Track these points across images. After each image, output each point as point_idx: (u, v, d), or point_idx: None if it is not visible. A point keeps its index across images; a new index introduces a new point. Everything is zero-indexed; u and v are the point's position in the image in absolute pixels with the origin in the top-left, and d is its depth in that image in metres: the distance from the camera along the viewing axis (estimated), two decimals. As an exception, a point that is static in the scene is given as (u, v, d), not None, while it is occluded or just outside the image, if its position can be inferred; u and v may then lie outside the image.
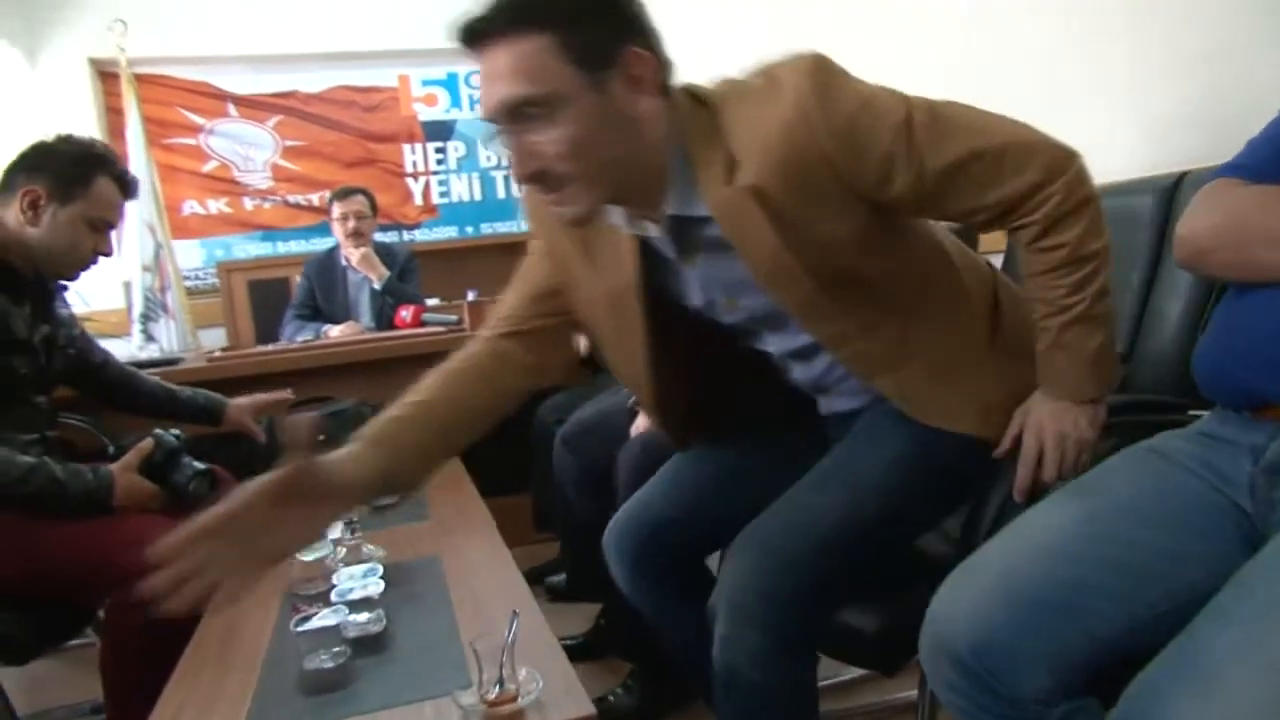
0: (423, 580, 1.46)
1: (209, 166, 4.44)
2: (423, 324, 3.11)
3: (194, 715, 1.08)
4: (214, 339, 4.23)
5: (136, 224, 3.90)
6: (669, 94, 1.07)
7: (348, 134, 4.57)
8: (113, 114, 4.18)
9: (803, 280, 1.09)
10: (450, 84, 4.68)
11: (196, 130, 4.40)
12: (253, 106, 4.46)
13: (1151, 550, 0.89)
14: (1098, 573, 0.87)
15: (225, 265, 4.31)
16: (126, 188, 1.89)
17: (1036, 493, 1.12)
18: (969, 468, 1.20)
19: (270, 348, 3.18)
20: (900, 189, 1.05)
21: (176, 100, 4.34)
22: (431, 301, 3.56)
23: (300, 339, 3.35)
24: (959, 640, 0.87)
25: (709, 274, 1.17)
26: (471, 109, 4.70)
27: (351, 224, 3.49)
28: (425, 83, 4.64)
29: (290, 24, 4.32)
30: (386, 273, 3.50)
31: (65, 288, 1.99)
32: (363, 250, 3.49)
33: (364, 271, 3.50)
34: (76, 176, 1.78)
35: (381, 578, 1.36)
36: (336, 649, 1.17)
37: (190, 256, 4.42)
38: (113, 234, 1.89)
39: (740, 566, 1.15)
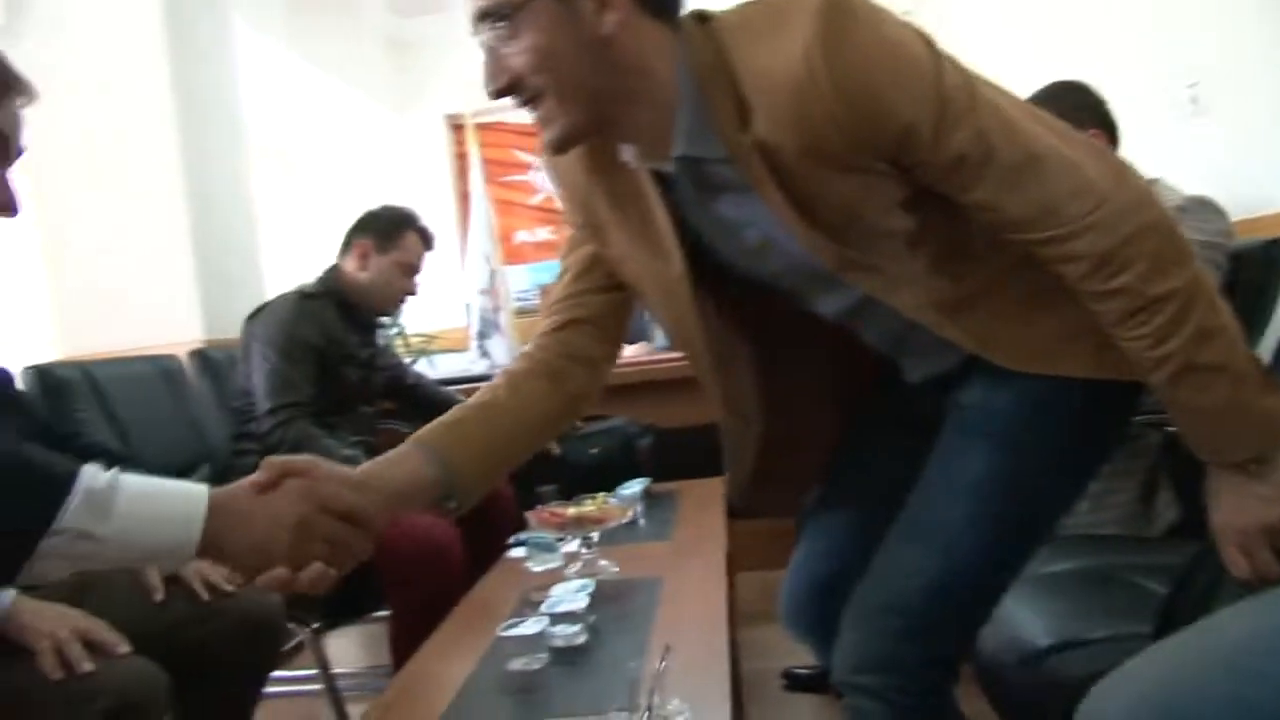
0: (637, 600, 1.54)
1: (536, 199, 4.97)
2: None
3: (411, 695, 1.26)
4: (538, 354, 4.72)
5: (476, 254, 4.47)
6: (670, 20, 0.98)
7: (655, 162, 4.87)
8: (459, 159, 4.84)
9: (826, 243, 0.98)
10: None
11: (527, 167, 4.94)
12: (574, 143, 4.92)
13: None
14: (1259, 691, 0.71)
15: (547, 288, 4.79)
16: (428, 240, 2.35)
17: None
18: (1082, 431, 1.04)
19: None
20: (917, 162, 0.92)
21: (510, 142, 4.92)
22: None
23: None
24: None
25: (738, 215, 1.04)
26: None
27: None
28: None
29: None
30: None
31: (383, 323, 2.41)
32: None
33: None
34: (392, 233, 2.26)
35: (591, 594, 1.46)
36: (540, 655, 1.29)
37: (520, 280, 4.97)
38: (417, 278, 2.31)
39: (848, 643, 1.08)
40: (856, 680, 1.06)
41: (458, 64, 4.70)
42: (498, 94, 0.98)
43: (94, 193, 2.73)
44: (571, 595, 1.44)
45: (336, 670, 2.09)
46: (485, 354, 4.48)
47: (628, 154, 1.05)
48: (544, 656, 1.29)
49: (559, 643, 1.34)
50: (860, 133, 0.90)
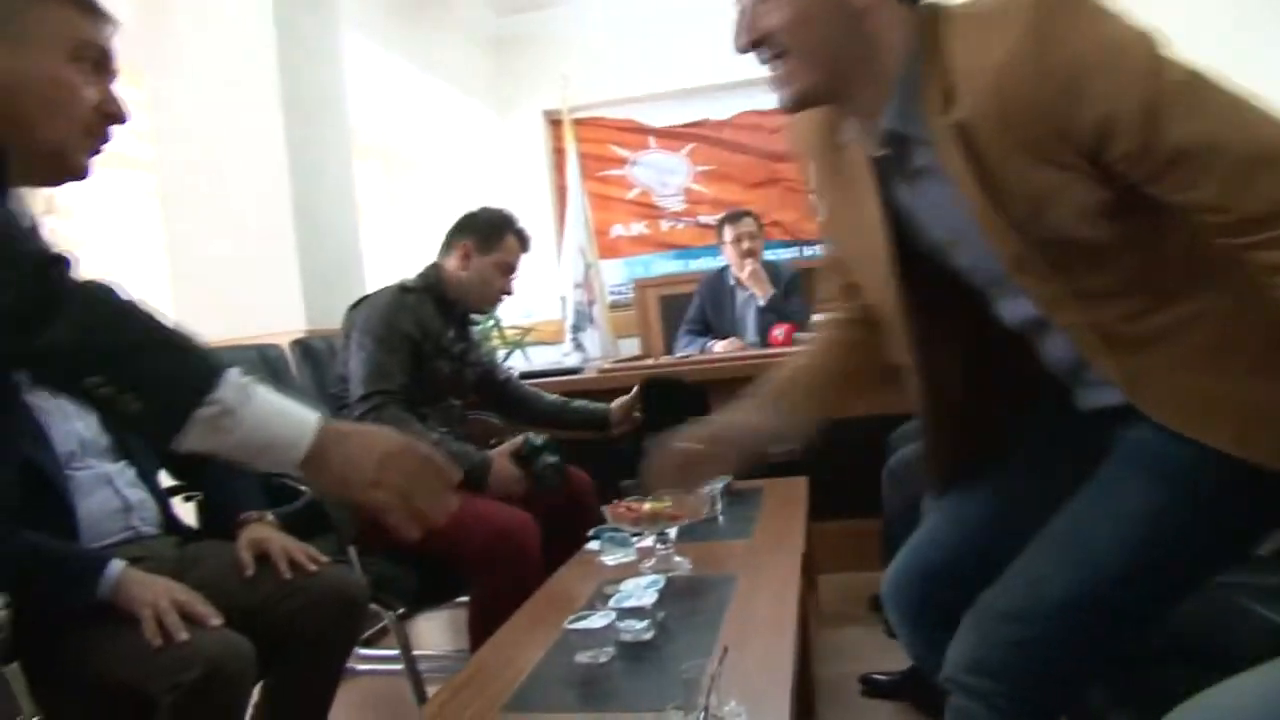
0: (709, 598, 1.53)
1: (632, 194, 4.99)
2: (795, 342, 3.18)
3: (479, 680, 1.28)
4: (631, 348, 4.75)
5: (571, 248, 4.53)
6: (912, 2, 1.03)
7: (753, 156, 4.82)
8: (557, 154, 4.90)
9: (1008, 234, 0.97)
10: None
11: (622, 162, 4.97)
12: (670, 137, 4.92)
13: None
14: None
15: (641, 282, 4.81)
16: (525, 242, 2.44)
17: None
18: (1233, 506, 0.97)
19: (650, 360, 3.49)
20: (1121, 158, 0.89)
21: (606, 138, 4.96)
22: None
23: (686, 352, 3.62)
24: None
25: (932, 204, 1.08)
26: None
27: (745, 245, 3.67)
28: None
29: (701, 58, 4.69)
30: (771, 290, 3.64)
31: (478, 321, 2.47)
32: (752, 267, 3.66)
33: (751, 287, 3.67)
34: (492, 234, 2.36)
35: (660, 591, 1.45)
36: (607, 649, 1.30)
37: (615, 274, 5.01)
38: (514, 278, 2.42)
39: (966, 642, 1.05)
40: (967, 680, 1.03)
41: (556, 60, 4.77)
42: (745, 49, 1.07)
43: (209, 192, 2.89)
44: (641, 591, 1.44)
45: (421, 652, 2.16)
46: (579, 347, 4.53)
47: (849, 132, 1.13)
48: (610, 650, 1.30)
49: (626, 637, 1.35)
50: (1058, 118, 0.91)
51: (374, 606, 1.91)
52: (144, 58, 2.86)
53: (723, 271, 3.85)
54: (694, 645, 1.32)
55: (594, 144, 4.92)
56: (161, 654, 1.26)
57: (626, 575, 1.60)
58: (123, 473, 1.59)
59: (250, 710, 1.53)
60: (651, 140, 4.94)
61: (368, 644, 2.46)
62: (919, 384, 1.21)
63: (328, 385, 2.41)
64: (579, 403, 2.65)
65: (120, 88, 1.11)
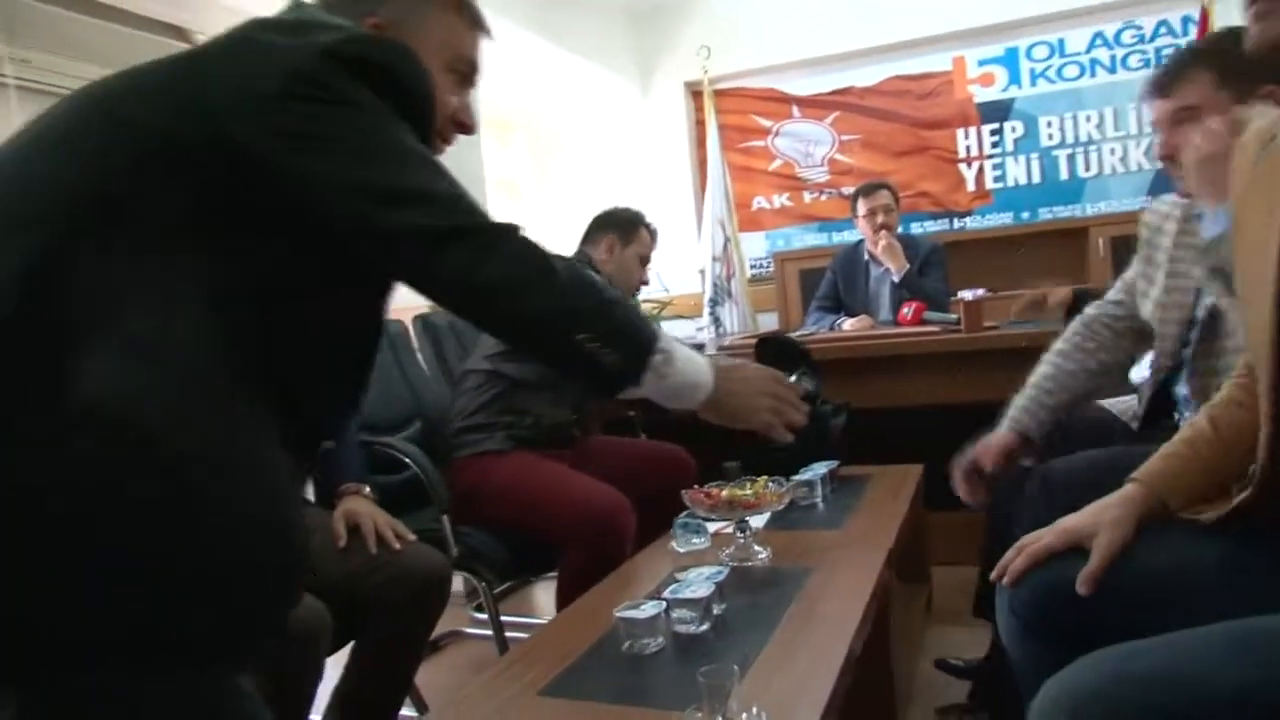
0: (775, 591, 1.49)
1: (774, 165, 4.87)
2: (923, 322, 3.02)
3: (534, 656, 1.31)
4: (770, 322, 4.68)
5: (709, 220, 4.49)
6: None
7: (900, 123, 4.59)
8: (698, 126, 4.85)
9: None
10: (1009, 60, 4.38)
11: (765, 133, 4.85)
12: (813, 106, 4.75)
13: None
14: None
15: (780, 255, 4.71)
16: (654, 235, 2.71)
17: None
18: None
19: (769, 334, 3.41)
20: None
21: (749, 108, 4.85)
22: (969, 294, 3.30)
23: (813, 329, 3.52)
24: None
25: None
26: (1033, 84, 4.34)
27: (880, 218, 3.52)
28: (981, 62, 4.42)
29: (846, 23, 4.49)
30: (906, 265, 3.47)
31: None
32: (886, 240, 3.50)
33: (885, 262, 3.52)
34: (629, 229, 2.60)
35: (720, 582, 1.42)
36: (658, 639, 1.29)
37: (755, 247, 4.92)
38: (648, 268, 2.69)
39: (1073, 681, 0.93)
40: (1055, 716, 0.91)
41: (696, 31, 4.71)
42: None
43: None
44: (699, 581, 1.42)
45: (513, 619, 2.23)
46: (716, 321, 4.50)
47: None
48: (661, 641, 1.29)
49: (679, 629, 1.33)
50: None
51: (466, 575, 2.00)
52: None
53: (857, 246, 3.70)
54: (745, 641, 1.29)
55: (735, 115, 4.83)
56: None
57: (701, 563, 1.59)
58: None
59: (341, 673, 1.64)
60: (795, 109, 4.79)
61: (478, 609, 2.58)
62: (1269, 434, 1.04)
63: (446, 359, 2.52)
64: None
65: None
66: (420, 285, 0.96)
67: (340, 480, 1.76)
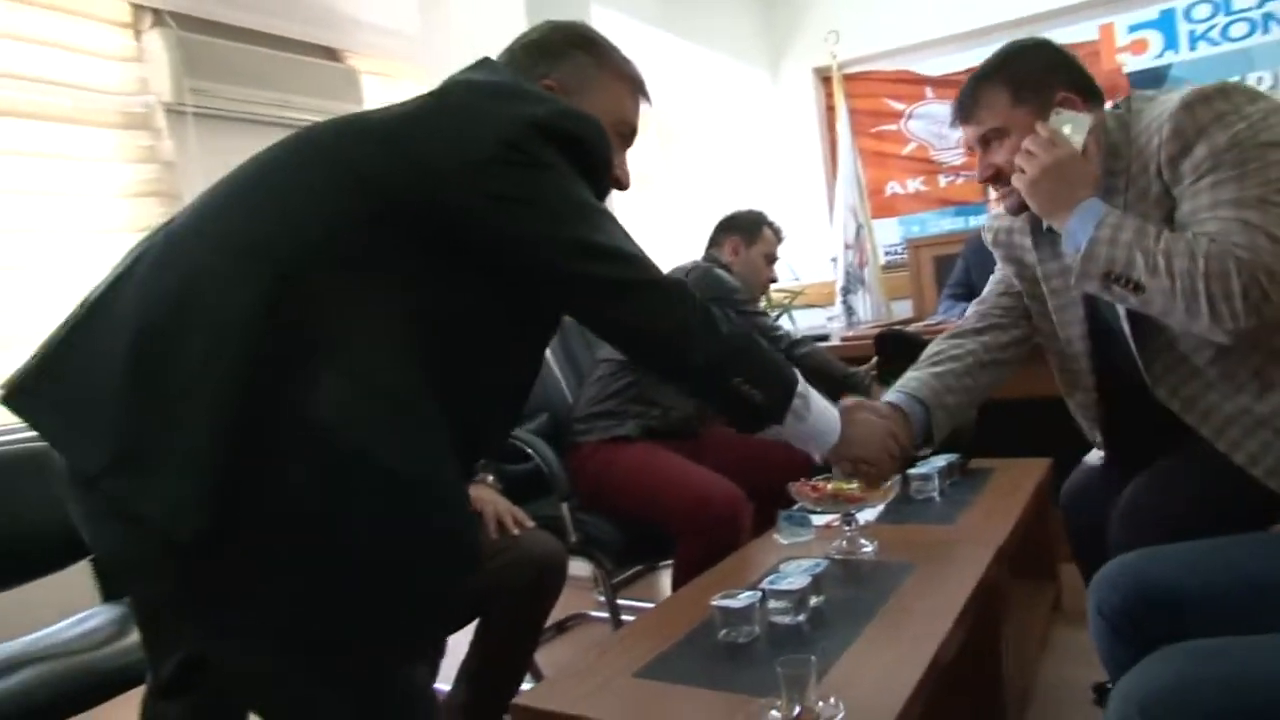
0: (874, 586, 1.50)
1: (908, 149, 4.75)
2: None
3: (634, 640, 1.38)
4: (904, 310, 4.58)
5: (840, 207, 4.44)
6: None
7: (1043, 99, 4.38)
8: (829, 112, 4.78)
9: None
10: (1165, 23, 4.08)
11: (898, 116, 4.74)
12: (948, 86, 4.60)
13: None
14: None
15: (913, 241, 4.58)
16: (779, 234, 2.83)
17: None
18: None
19: (887, 328, 3.36)
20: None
21: (880, 91, 4.74)
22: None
23: (944, 318, 3.43)
24: None
25: None
26: (1192, 48, 4.03)
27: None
28: (1133, 28, 4.14)
29: (982, -2, 4.32)
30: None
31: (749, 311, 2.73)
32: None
33: (1022, 249, 3.39)
34: (753, 230, 2.75)
35: (817, 575, 1.45)
36: (752, 629, 1.34)
37: (889, 233, 4.82)
38: (775, 266, 2.81)
39: (1151, 676, 0.94)
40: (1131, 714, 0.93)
41: (824, 16, 4.65)
42: None
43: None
44: (797, 573, 1.46)
45: (633, 603, 2.31)
46: (849, 310, 4.45)
47: None
48: (754, 630, 1.34)
49: (774, 619, 1.38)
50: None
51: (584, 561, 2.10)
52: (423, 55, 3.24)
53: (991, 231, 3.57)
54: (839, 635, 1.32)
55: (866, 99, 4.73)
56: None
57: (807, 555, 1.63)
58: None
59: (466, 650, 1.78)
60: (928, 91, 4.64)
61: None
62: None
63: (575, 355, 2.65)
64: (844, 370, 2.80)
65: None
66: (598, 328, 1.13)
67: (468, 468, 1.90)
